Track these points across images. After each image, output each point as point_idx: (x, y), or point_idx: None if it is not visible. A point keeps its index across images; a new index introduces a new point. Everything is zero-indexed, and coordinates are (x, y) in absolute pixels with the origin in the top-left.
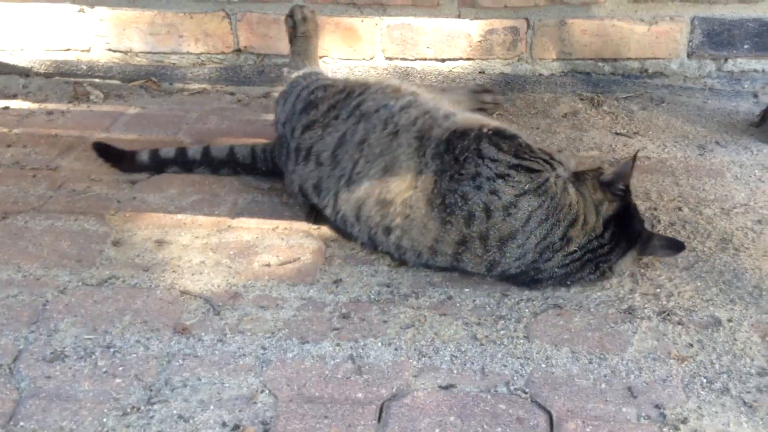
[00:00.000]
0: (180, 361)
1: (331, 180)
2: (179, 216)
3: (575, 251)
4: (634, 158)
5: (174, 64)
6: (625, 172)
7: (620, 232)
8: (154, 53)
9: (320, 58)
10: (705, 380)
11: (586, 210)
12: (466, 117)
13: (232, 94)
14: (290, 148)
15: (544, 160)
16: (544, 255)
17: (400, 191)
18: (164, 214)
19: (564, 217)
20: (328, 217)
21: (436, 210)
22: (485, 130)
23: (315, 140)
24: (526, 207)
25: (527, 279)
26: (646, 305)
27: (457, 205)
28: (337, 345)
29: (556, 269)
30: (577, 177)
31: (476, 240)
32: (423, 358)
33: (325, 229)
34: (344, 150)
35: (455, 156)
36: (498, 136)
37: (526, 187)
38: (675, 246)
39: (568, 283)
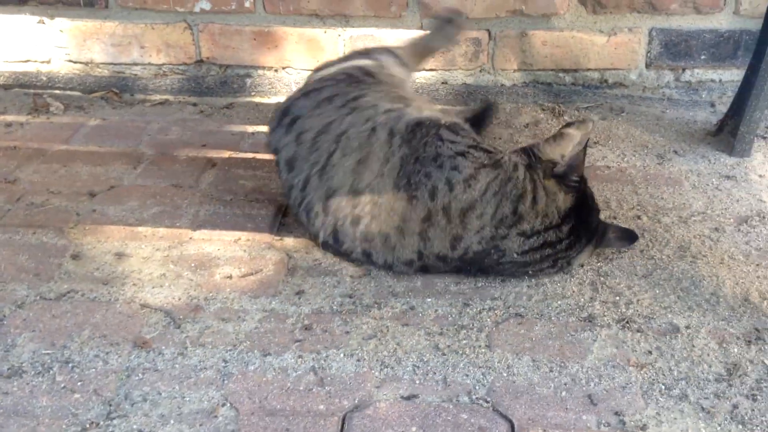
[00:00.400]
0: (140, 375)
1: (304, 163)
2: (140, 228)
3: (531, 236)
4: (585, 148)
5: (135, 75)
6: (576, 162)
7: (578, 226)
8: (116, 64)
9: (283, 68)
10: (664, 387)
11: (535, 190)
12: (431, 112)
13: (194, 104)
14: (284, 107)
15: (495, 148)
16: (499, 230)
17: (370, 181)
18: (124, 227)
19: (511, 191)
20: (290, 199)
21: (403, 190)
22: (443, 121)
23: (303, 114)
24: (483, 178)
25: (491, 262)
26: (605, 313)
27: (421, 182)
28: (299, 357)
29: (516, 254)
30: (529, 165)
31: (440, 213)
32: (385, 369)
33: (288, 241)
34: (325, 138)
35: (418, 141)
36: (456, 126)
37: (484, 162)
38: (629, 237)
39: (529, 272)
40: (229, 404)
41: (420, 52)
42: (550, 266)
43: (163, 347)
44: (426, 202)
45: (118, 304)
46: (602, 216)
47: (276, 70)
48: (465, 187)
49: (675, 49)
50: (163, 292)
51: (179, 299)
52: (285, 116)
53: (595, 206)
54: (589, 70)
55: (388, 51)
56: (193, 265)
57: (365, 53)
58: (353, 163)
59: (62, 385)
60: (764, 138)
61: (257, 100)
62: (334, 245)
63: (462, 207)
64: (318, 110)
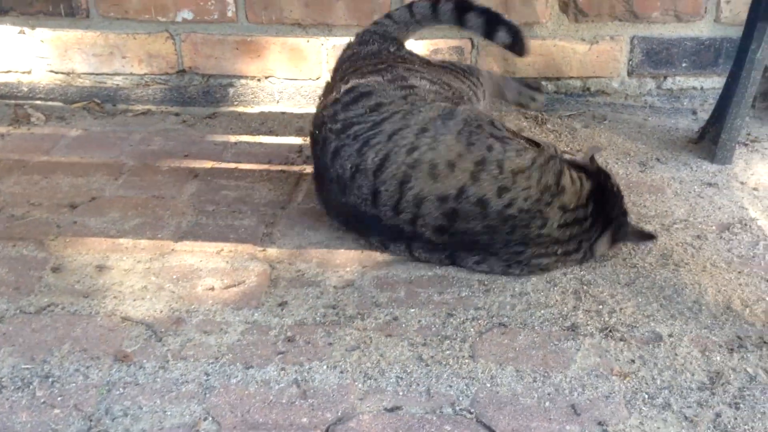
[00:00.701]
0: (120, 389)
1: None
2: (121, 240)
3: (568, 211)
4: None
5: (117, 85)
6: (593, 153)
7: (598, 210)
8: (97, 74)
9: (266, 77)
10: (647, 396)
11: (570, 171)
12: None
13: (177, 114)
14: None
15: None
16: (544, 195)
17: (436, 126)
18: (105, 239)
19: (553, 166)
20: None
21: (464, 138)
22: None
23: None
24: (531, 153)
25: (532, 232)
26: (588, 322)
27: (480, 140)
28: (282, 369)
29: (556, 225)
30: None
31: (494, 163)
32: (368, 381)
33: (271, 251)
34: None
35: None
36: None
37: (526, 146)
38: (647, 236)
39: (558, 253)
40: (211, 418)
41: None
42: (576, 249)
43: (144, 361)
44: (483, 151)
45: (98, 318)
46: None
47: (259, 80)
48: (517, 154)
49: (656, 57)
50: (145, 304)
51: (161, 312)
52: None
53: (617, 201)
54: (571, 78)
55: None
56: (174, 277)
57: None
58: (422, 118)
59: (42, 401)
60: (746, 145)
61: (240, 109)
62: (377, 171)
63: (513, 168)
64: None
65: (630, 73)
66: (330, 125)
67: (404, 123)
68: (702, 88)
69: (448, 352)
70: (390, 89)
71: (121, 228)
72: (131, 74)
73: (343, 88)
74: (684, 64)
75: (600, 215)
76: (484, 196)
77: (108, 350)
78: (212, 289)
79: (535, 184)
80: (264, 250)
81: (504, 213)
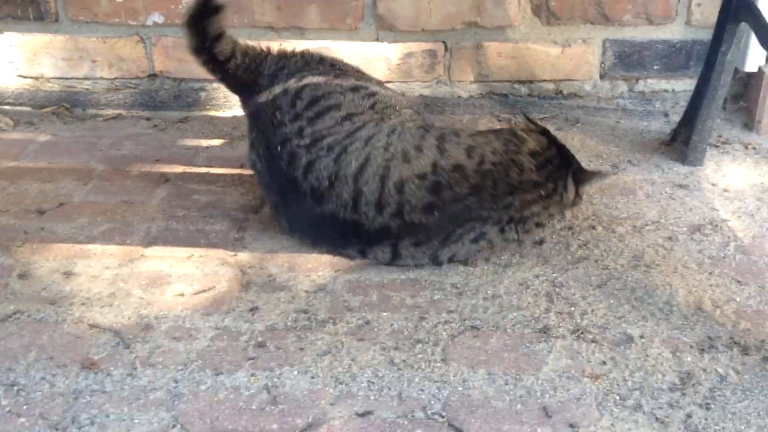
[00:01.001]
0: (87, 397)
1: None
2: (89, 246)
3: (536, 154)
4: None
5: (87, 89)
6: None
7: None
8: (67, 79)
9: None
10: (618, 397)
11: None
12: None
13: (148, 119)
14: None
15: None
16: (509, 146)
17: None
18: (73, 245)
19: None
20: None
21: (422, 130)
22: None
23: None
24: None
25: (513, 179)
26: (560, 324)
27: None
28: (252, 375)
29: (533, 168)
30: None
31: (451, 134)
32: (340, 386)
33: (242, 256)
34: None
35: None
36: None
37: None
38: (601, 174)
39: (542, 194)
40: (179, 425)
41: None
42: (554, 189)
43: (112, 368)
44: (440, 131)
45: (65, 325)
46: (557, 226)
47: None
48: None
49: (628, 59)
50: (113, 311)
51: (129, 318)
52: None
53: (565, 147)
54: (544, 81)
55: None
56: (143, 283)
57: None
58: (393, 122)
59: (7, 410)
60: (717, 147)
61: (212, 113)
62: (357, 175)
63: (469, 133)
64: None
65: (602, 76)
66: (297, 141)
67: (378, 129)
68: (674, 91)
69: (420, 355)
70: (356, 99)
71: (89, 234)
72: (101, 78)
73: (301, 104)
74: (656, 67)
75: (562, 155)
76: (457, 161)
77: (75, 358)
78: (182, 294)
79: (494, 139)
80: (235, 255)
81: (481, 170)
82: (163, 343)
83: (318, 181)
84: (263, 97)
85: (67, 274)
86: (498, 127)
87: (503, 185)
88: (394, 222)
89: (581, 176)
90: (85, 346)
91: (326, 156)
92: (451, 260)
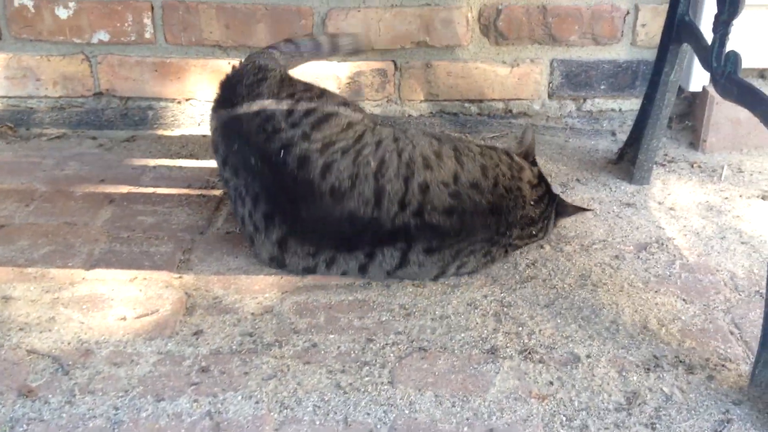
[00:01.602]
0: (24, 426)
1: None
2: (29, 269)
3: (535, 186)
4: (533, 140)
5: (31, 108)
6: (528, 141)
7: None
8: (10, 98)
9: (186, 100)
10: (564, 418)
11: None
12: None
13: (93, 138)
14: None
15: None
16: (513, 171)
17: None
18: (13, 268)
19: (506, 154)
20: None
21: (429, 136)
22: None
23: None
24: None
25: (517, 205)
26: (508, 344)
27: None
28: (195, 401)
29: (532, 202)
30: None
31: (466, 149)
32: (285, 410)
33: (187, 278)
34: None
35: None
36: None
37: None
38: (583, 209)
39: (539, 226)
40: None
41: None
42: (541, 229)
43: (50, 395)
44: (450, 139)
45: (2, 351)
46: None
47: (179, 102)
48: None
49: (576, 79)
50: (52, 336)
51: (68, 344)
52: None
53: (546, 179)
54: (493, 100)
55: None
56: (84, 307)
57: None
58: (387, 132)
59: None
60: (663, 165)
61: (160, 132)
62: (377, 174)
63: (480, 144)
64: None
65: (550, 95)
66: (305, 145)
67: (379, 136)
68: (621, 110)
69: (366, 378)
70: (349, 111)
71: (29, 257)
72: (46, 97)
73: (299, 113)
74: (603, 87)
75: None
76: (475, 178)
77: (12, 385)
78: (124, 318)
79: (499, 162)
80: (180, 277)
81: (496, 192)
82: (104, 368)
83: (338, 181)
84: (242, 109)
85: (6, 299)
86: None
87: (513, 214)
88: (414, 220)
89: (562, 210)
90: (22, 372)
91: (343, 158)
92: (456, 274)
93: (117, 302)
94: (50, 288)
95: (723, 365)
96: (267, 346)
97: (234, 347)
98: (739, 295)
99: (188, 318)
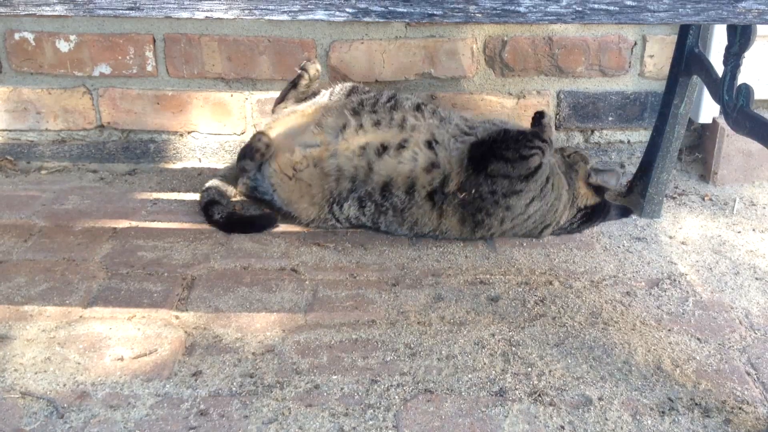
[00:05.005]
0: None
1: None
2: (26, 307)
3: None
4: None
5: (32, 141)
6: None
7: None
8: (10, 131)
9: (189, 133)
10: None
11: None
12: None
13: (94, 171)
14: None
15: None
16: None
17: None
18: (9, 306)
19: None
20: None
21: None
22: None
23: None
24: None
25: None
26: (517, 386)
27: None
28: None
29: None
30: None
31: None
32: None
33: (187, 317)
34: None
35: None
36: None
37: None
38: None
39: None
40: None
41: None
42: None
43: None
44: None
45: None
46: (513, 282)
47: (181, 135)
48: None
49: (583, 111)
50: (47, 377)
51: (64, 385)
52: None
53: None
54: None
55: None
56: (81, 346)
57: None
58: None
59: None
60: (673, 198)
61: (162, 165)
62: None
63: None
64: None
65: (558, 127)
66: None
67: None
68: (629, 142)
69: (371, 422)
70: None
71: (26, 294)
72: (47, 130)
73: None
74: (610, 118)
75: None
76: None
77: (5, 429)
78: (121, 359)
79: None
80: (179, 316)
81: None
82: (99, 412)
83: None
84: None
85: (1, 338)
86: None
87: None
88: None
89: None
90: (16, 416)
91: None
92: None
93: (114, 341)
94: (47, 327)
95: (740, 408)
96: (268, 388)
97: (234, 389)
98: (755, 333)
99: (187, 358)
